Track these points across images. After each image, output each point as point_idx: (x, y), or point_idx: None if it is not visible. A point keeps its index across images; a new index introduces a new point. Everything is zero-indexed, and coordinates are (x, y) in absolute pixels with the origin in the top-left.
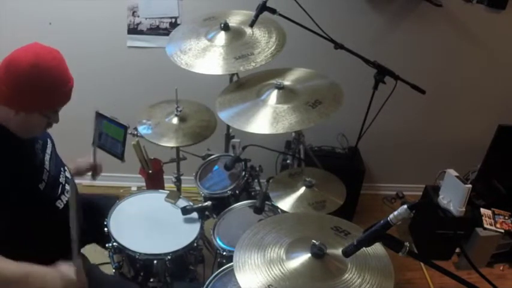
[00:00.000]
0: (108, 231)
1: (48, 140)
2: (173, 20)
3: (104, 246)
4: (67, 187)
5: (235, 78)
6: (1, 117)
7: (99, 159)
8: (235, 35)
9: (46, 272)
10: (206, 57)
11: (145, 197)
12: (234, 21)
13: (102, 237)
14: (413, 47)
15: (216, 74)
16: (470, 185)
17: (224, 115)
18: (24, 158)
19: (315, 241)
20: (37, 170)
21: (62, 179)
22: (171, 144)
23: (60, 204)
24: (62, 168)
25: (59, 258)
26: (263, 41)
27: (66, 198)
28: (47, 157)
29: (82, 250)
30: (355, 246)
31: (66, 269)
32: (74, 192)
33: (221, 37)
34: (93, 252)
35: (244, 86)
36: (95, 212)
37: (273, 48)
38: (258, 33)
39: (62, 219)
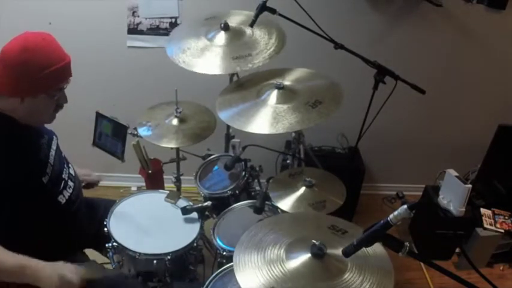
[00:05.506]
0: (108, 231)
1: (54, 136)
2: (173, 20)
3: (103, 252)
4: (69, 183)
5: (235, 78)
6: (7, 108)
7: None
8: (235, 35)
9: (44, 267)
10: (204, 57)
11: (145, 197)
12: (234, 21)
13: (102, 241)
14: (413, 47)
15: (214, 73)
16: (470, 185)
17: (224, 115)
18: (29, 149)
19: (315, 241)
20: (41, 163)
21: (65, 175)
22: (171, 145)
23: (62, 200)
24: (65, 165)
25: (59, 253)
26: (262, 42)
27: (69, 194)
28: (52, 152)
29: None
30: (355, 247)
31: (66, 268)
32: None
33: (221, 37)
34: (93, 252)
35: (244, 86)
36: (95, 215)
37: (271, 50)
38: (258, 33)
39: (63, 214)
